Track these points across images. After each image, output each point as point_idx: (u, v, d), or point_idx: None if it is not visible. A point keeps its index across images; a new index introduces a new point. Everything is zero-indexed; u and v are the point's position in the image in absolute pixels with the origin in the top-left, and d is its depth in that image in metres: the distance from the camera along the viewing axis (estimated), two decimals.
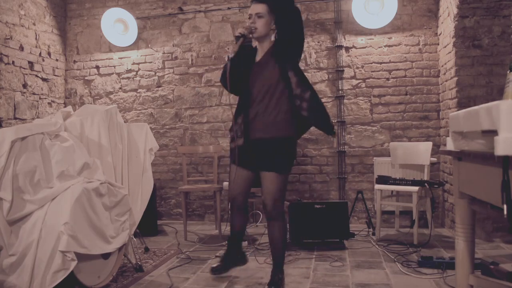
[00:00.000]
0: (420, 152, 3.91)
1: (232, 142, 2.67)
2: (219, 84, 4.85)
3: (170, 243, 3.89)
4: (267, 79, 2.53)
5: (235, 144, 2.61)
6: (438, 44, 4.37)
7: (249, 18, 2.55)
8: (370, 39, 4.52)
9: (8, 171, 2.33)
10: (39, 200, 2.38)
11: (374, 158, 4.42)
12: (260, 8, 2.50)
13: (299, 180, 4.65)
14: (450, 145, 1.96)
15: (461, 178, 1.93)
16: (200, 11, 4.91)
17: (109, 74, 5.17)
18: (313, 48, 4.65)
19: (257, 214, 4.69)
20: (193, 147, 4.71)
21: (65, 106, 5.17)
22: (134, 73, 5.10)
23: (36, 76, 4.74)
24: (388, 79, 4.48)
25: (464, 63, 3.78)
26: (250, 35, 2.53)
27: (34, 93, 4.69)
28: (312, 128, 4.46)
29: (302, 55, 4.62)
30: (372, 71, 4.52)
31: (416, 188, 3.57)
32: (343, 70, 4.57)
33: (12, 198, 2.31)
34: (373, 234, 3.95)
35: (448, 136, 1.99)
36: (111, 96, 5.16)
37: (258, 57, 2.63)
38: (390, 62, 4.48)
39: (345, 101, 4.57)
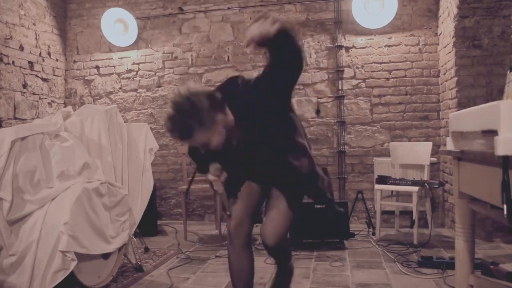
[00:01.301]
0: (420, 152, 3.91)
1: None
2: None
3: (170, 243, 3.89)
4: None
5: None
6: (438, 44, 4.36)
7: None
8: (370, 39, 4.52)
9: (8, 171, 2.33)
10: (39, 200, 2.38)
11: (374, 158, 4.41)
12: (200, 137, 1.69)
13: None
14: (450, 145, 1.95)
15: (461, 178, 1.93)
16: (200, 11, 4.91)
17: (109, 74, 5.17)
18: (313, 48, 4.65)
19: None
20: None
21: (65, 106, 5.17)
22: (134, 73, 5.10)
23: (36, 76, 4.74)
24: (388, 79, 4.48)
25: (464, 63, 3.78)
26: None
27: (34, 93, 4.68)
28: (313, 128, 4.46)
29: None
30: (372, 71, 4.51)
31: (416, 188, 3.57)
32: (343, 70, 4.56)
33: (12, 198, 2.31)
34: (373, 234, 3.95)
35: (448, 136, 1.99)
36: (111, 96, 5.16)
37: None
38: (390, 62, 4.48)
39: (345, 101, 4.56)
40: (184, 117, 1.63)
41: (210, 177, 1.95)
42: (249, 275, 2.02)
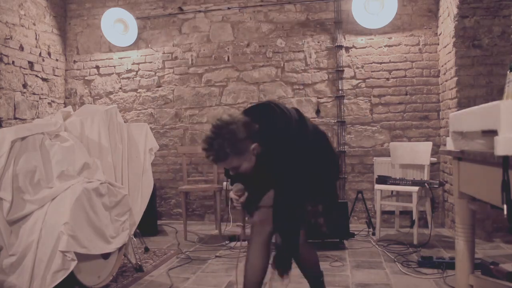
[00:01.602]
0: (420, 152, 3.91)
1: None
2: (219, 84, 4.88)
3: (170, 243, 3.89)
4: None
5: None
6: (438, 44, 4.36)
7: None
8: (370, 39, 4.52)
9: (8, 171, 2.33)
10: (39, 200, 2.38)
11: (374, 158, 4.42)
12: (233, 162, 1.88)
13: None
14: (450, 145, 1.95)
15: (461, 178, 1.93)
16: (200, 11, 4.91)
17: (109, 74, 5.17)
18: (313, 48, 4.65)
19: None
20: (193, 147, 4.71)
21: (65, 106, 5.17)
22: (134, 73, 5.10)
23: (36, 76, 4.74)
24: (388, 79, 4.48)
25: (464, 63, 3.78)
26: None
27: (34, 93, 4.68)
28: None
29: (302, 55, 4.68)
30: (372, 71, 4.52)
31: (416, 188, 3.57)
32: (343, 70, 4.56)
33: (12, 198, 2.31)
34: (373, 234, 3.95)
35: (448, 136, 1.99)
36: (111, 96, 5.16)
37: None
38: (390, 62, 4.48)
39: (345, 101, 4.56)
40: (222, 142, 1.79)
41: (232, 195, 2.05)
42: (262, 275, 2.05)
